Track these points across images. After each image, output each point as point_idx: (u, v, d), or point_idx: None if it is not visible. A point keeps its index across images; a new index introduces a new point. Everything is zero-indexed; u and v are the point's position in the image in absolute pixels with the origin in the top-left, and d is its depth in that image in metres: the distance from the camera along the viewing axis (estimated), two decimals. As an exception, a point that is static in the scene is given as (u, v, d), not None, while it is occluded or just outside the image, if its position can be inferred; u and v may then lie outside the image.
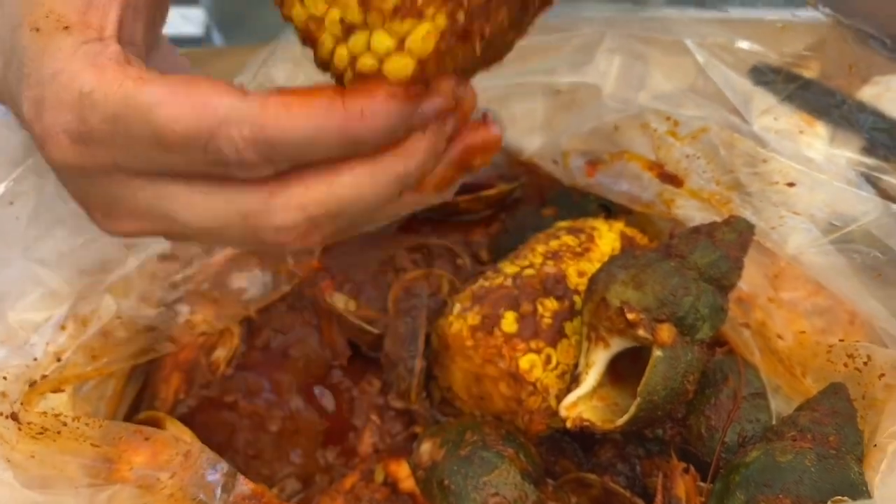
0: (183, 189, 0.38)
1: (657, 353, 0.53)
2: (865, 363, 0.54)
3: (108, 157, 0.38)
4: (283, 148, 0.35)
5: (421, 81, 0.35)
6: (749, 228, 0.56)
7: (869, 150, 0.66)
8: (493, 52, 0.38)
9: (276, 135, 0.35)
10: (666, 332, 0.53)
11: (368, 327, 0.69)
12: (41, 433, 0.52)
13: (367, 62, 0.35)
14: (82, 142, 0.37)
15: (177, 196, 0.38)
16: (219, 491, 0.54)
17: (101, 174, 0.39)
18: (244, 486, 0.55)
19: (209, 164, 0.36)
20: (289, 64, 0.73)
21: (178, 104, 0.35)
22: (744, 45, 0.68)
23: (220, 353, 0.70)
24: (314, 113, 0.34)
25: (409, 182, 0.39)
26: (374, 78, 0.35)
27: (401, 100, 0.35)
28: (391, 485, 0.63)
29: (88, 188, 0.41)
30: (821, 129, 0.70)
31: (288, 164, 0.37)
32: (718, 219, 0.59)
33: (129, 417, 0.68)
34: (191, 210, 0.39)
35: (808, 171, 0.59)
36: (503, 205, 0.84)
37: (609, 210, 0.76)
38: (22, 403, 0.53)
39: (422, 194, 0.41)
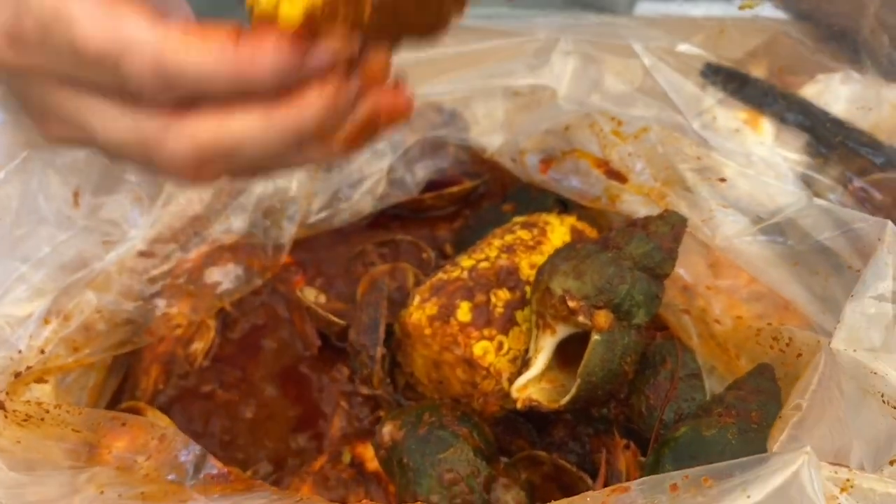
0: (99, 103, 0.40)
1: (595, 337, 0.58)
2: (787, 344, 0.58)
3: (40, 62, 0.40)
4: (179, 80, 0.37)
5: (310, 34, 0.37)
6: (681, 221, 0.61)
7: (803, 145, 0.71)
8: (407, 23, 0.41)
9: (172, 67, 0.37)
10: (603, 317, 0.58)
11: (336, 319, 0.73)
12: (26, 420, 0.56)
13: (263, 4, 0.37)
14: (17, 43, 0.39)
15: (94, 109, 0.41)
16: (191, 471, 0.58)
17: (36, 79, 0.41)
18: (214, 466, 0.59)
19: (120, 85, 0.39)
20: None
21: (95, 23, 0.37)
22: (684, 48, 0.72)
23: (198, 346, 0.75)
24: (209, 52, 0.37)
25: (305, 135, 0.40)
26: (269, 25, 0.37)
27: (286, 50, 0.37)
28: (357, 466, 0.67)
29: (26, 91, 0.44)
30: (765, 125, 0.74)
31: (187, 95, 0.39)
32: (657, 212, 0.64)
33: (111, 407, 0.72)
34: (103, 125, 0.41)
35: (738, 167, 0.63)
36: (467, 201, 0.89)
37: (565, 205, 0.81)
38: (7, 393, 0.57)
39: (327, 149, 0.43)
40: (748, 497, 0.31)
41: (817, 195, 0.62)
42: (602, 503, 0.32)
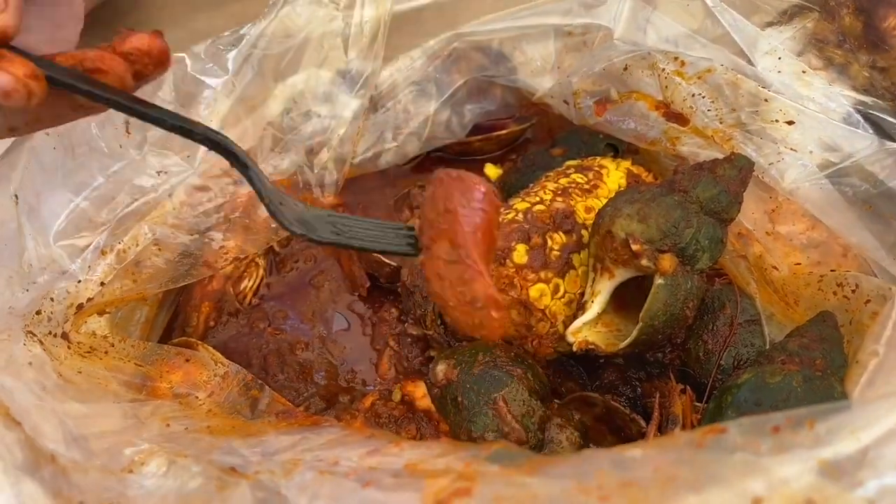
0: None
1: (659, 281, 0.57)
2: (853, 291, 0.57)
3: None
4: None
5: None
6: (749, 165, 0.59)
7: (868, 88, 0.69)
8: None
9: None
10: (668, 261, 0.57)
11: (387, 260, 0.73)
12: (90, 352, 0.56)
13: None
14: None
15: None
16: (255, 407, 0.59)
17: None
18: (277, 403, 0.59)
19: None
20: (311, 4, 0.75)
21: None
22: (750, -14, 0.70)
23: (247, 284, 0.75)
24: None
25: None
26: None
27: None
28: (408, 403, 0.68)
29: None
30: (822, 67, 0.72)
31: None
32: (721, 155, 0.62)
33: (163, 342, 0.72)
34: None
35: (806, 110, 0.61)
36: (514, 145, 0.88)
37: (616, 150, 0.79)
38: (73, 325, 0.57)
39: None
40: (858, 440, 0.30)
41: (888, 138, 0.60)
42: (697, 443, 0.32)
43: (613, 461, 0.33)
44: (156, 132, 0.66)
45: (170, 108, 0.68)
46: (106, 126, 0.64)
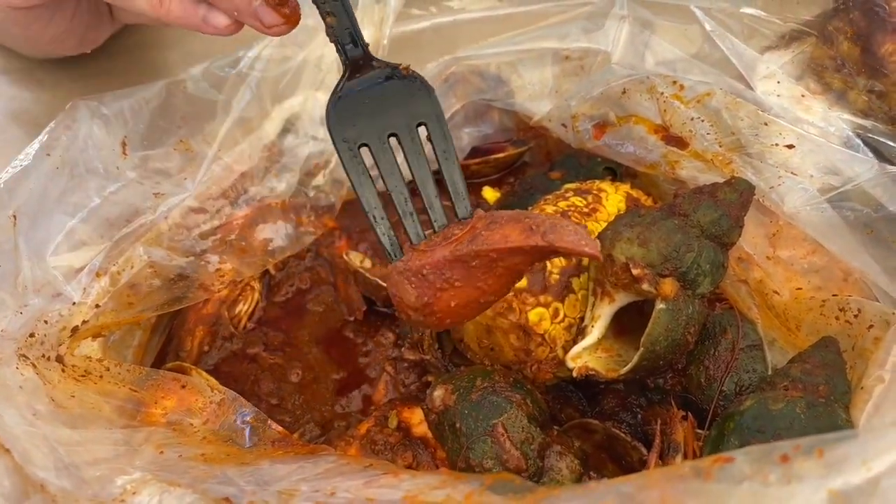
0: None
1: (660, 305, 0.56)
2: (856, 316, 0.57)
3: None
4: None
5: None
6: (749, 188, 0.59)
7: (866, 112, 0.69)
8: None
9: None
10: (669, 285, 0.56)
11: (384, 283, 0.72)
12: (84, 376, 0.55)
13: None
14: None
15: None
16: (249, 434, 0.58)
17: None
18: (272, 430, 0.58)
19: None
20: (308, 26, 0.75)
21: None
22: (749, 11, 0.70)
23: (242, 308, 0.74)
24: None
25: None
26: None
27: None
28: (404, 430, 0.67)
29: None
30: (821, 92, 0.72)
31: None
32: (721, 179, 0.62)
33: (156, 367, 0.71)
34: None
35: (806, 134, 0.61)
36: (512, 168, 0.87)
37: (615, 173, 0.79)
38: (68, 347, 0.56)
39: None
40: (869, 469, 0.30)
41: (888, 162, 0.60)
42: (705, 473, 0.31)
43: (619, 493, 0.32)
44: (152, 152, 0.66)
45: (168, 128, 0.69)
46: (103, 147, 0.63)
